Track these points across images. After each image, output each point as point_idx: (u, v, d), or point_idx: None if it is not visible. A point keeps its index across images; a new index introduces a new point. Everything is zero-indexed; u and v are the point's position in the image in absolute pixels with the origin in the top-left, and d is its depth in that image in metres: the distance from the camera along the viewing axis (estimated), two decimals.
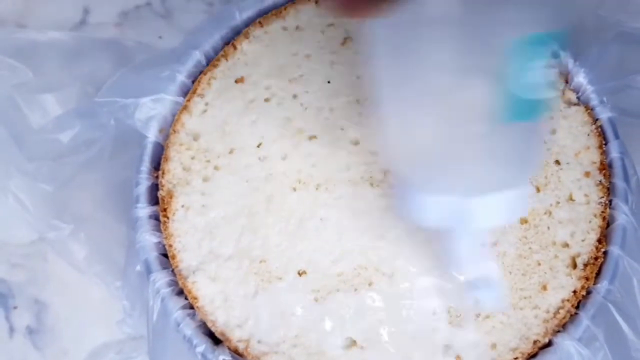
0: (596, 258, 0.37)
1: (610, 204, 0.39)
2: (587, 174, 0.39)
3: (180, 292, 0.38)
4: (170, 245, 0.39)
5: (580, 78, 0.42)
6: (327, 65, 0.43)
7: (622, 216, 0.37)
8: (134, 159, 0.41)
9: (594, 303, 0.36)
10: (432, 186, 0.28)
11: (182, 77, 0.43)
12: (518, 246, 0.37)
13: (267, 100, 0.42)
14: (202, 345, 0.36)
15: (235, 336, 0.36)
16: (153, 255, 0.39)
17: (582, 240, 0.38)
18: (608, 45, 0.43)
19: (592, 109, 0.41)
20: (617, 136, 0.40)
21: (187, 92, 0.44)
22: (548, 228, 0.38)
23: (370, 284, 0.37)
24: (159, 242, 0.39)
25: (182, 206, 0.40)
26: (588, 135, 0.41)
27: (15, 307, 0.45)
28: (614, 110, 0.41)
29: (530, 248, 0.37)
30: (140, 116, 0.42)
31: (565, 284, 0.36)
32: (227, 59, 0.44)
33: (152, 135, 0.42)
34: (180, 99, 0.43)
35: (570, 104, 0.42)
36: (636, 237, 0.37)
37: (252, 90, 0.43)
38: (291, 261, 0.38)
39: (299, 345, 0.36)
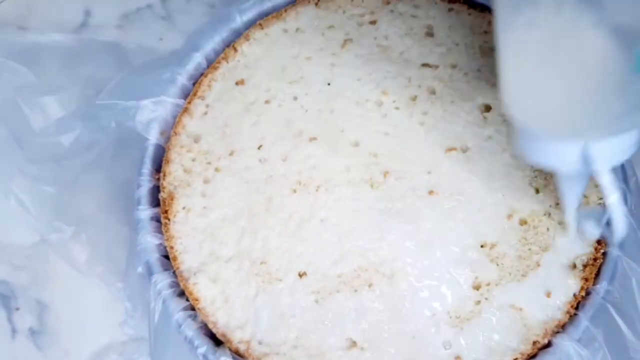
0: (595, 259, 0.37)
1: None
2: None
3: (182, 294, 0.38)
4: (172, 247, 0.39)
5: None
6: (327, 67, 0.43)
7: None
8: (135, 161, 0.42)
9: (593, 304, 0.36)
10: (557, 131, 0.30)
11: (182, 80, 0.44)
12: (518, 247, 0.37)
13: (267, 102, 0.43)
14: (204, 346, 0.36)
15: (236, 337, 0.37)
16: (154, 257, 0.39)
17: (581, 241, 0.38)
18: None
19: None
20: None
21: (188, 94, 0.44)
22: (547, 229, 0.38)
23: (370, 285, 0.37)
24: (160, 244, 0.39)
25: (183, 208, 0.40)
26: None
27: (17, 309, 0.45)
28: None
29: (529, 249, 0.37)
30: (141, 118, 0.42)
31: (564, 285, 0.37)
32: (227, 61, 0.45)
33: (153, 137, 0.42)
34: (181, 102, 0.43)
35: None
36: (635, 237, 0.37)
37: (253, 92, 0.43)
38: (291, 262, 0.38)
39: (300, 347, 0.36)
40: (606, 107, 0.29)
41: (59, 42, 0.48)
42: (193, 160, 0.42)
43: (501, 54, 0.31)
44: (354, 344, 0.36)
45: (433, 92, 0.42)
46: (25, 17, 0.55)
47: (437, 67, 0.43)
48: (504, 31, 0.30)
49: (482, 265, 0.37)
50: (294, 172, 0.40)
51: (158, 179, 0.41)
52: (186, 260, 0.39)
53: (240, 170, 0.41)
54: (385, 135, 0.41)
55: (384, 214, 0.38)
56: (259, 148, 0.41)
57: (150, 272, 0.38)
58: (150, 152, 0.42)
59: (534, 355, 0.35)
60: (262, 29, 0.46)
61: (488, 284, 0.37)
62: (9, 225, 0.47)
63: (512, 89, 0.31)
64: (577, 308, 0.36)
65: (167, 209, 0.40)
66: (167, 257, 0.39)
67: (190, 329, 0.37)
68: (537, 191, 0.39)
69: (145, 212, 0.40)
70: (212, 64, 0.45)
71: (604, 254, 0.37)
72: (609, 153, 0.31)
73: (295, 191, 0.40)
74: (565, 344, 0.35)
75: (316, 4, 0.46)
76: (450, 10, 0.45)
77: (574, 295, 0.36)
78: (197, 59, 0.44)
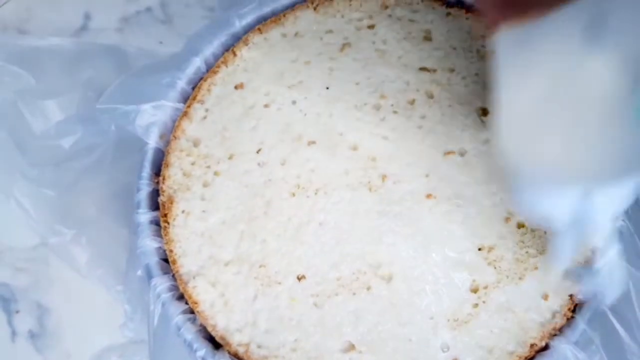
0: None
1: None
2: None
3: (181, 297, 0.38)
4: (171, 251, 0.39)
5: None
6: (326, 71, 0.44)
7: (619, 221, 0.38)
8: (135, 164, 0.42)
9: (591, 307, 0.36)
10: (556, 178, 0.29)
11: (182, 84, 0.44)
12: (515, 250, 0.38)
13: (266, 106, 0.43)
14: (203, 349, 0.36)
15: (235, 340, 0.37)
16: (154, 260, 0.39)
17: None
18: None
19: None
20: None
21: (187, 98, 0.44)
22: (545, 232, 0.38)
23: (368, 288, 0.37)
24: (160, 247, 0.40)
25: (183, 211, 0.40)
26: None
27: (17, 311, 0.45)
28: None
29: (527, 252, 0.38)
30: (141, 122, 0.42)
31: (562, 288, 0.37)
32: (226, 66, 0.45)
33: (152, 141, 0.42)
34: (181, 106, 0.44)
35: None
36: (632, 241, 0.38)
37: (252, 96, 0.43)
38: (290, 266, 0.38)
39: (299, 350, 0.36)
40: (609, 153, 0.28)
41: (59, 45, 0.48)
42: (192, 164, 0.42)
43: (500, 98, 0.30)
44: (352, 346, 0.36)
45: (431, 96, 0.42)
46: (26, 21, 0.55)
47: (435, 71, 0.43)
48: (504, 74, 0.29)
49: (480, 268, 0.37)
50: (293, 175, 0.40)
51: (157, 183, 0.42)
52: (185, 264, 0.39)
53: (239, 174, 0.41)
54: (383, 139, 0.41)
55: (382, 217, 0.38)
56: (258, 152, 0.41)
57: (149, 276, 0.39)
58: (149, 155, 0.42)
59: (532, 358, 0.36)
60: (261, 33, 0.46)
61: (486, 287, 0.37)
62: (9, 228, 0.48)
63: (511, 133, 0.30)
64: (574, 311, 0.36)
65: (166, 212, 0.40)
66: (166, 260, 0.40)
67: (190, 332, 0.37)
68: None
69: (144, 215, 0.40)
70: (211, 68, 0.45)
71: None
72: (609, 202, 0.30)
73: (294, 195, 0.40)
74: (563, 347, 0.35)
75: (315, 9, 0.46)
76: (448, 14, 0.45)
77: (571, 298, 0.37)
78: (197, 63, 0.44)
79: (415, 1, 0.46)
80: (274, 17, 0.46)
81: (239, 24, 0.46)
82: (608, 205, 0.30)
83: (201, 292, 0.38)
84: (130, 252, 0.41)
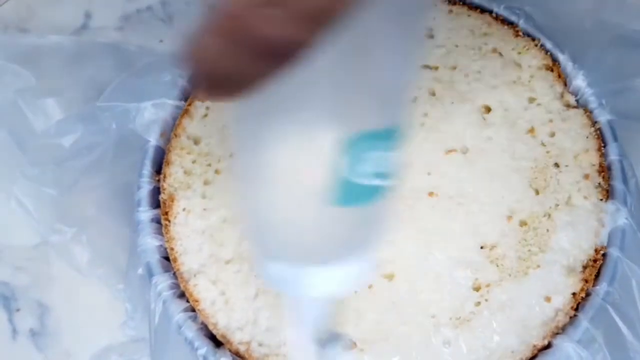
0: (595, 260, 0.37)
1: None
2: (586, 177, 0.39)
3: (182, 295, 0.38)
4: (172, 249, 0.39)
5: (579, 81, 0.42)
6: None
7: (621, 218, 0.38)
8: (136, 163, 0.42)
9: (593, 305, 0.36)
10: (275, 254, 0.29)
11: (183, 82, 0.44)
12: (517, 249, 0.37)
13: None
14: (204, 347, 0.36)
15: (236, 339, 0.37)
16: (155, 259, 0.39)
17: (582, 243, 0.38)
18: (607, 47, 0.43)
19: (591, 112, 0.41)
20: (615, 139, 0.40)
21: (188, 96, 0.44)
22: (547, 230, 0.38)
23: (370, 287, 0.37)
24: (161, 245, 0.40)
25: (184, 209, 0.40)
26: (587, 137, 0.41)
27: (18, 310, 0.45)
28: (613, 112, 0.41)
29: (529, 250, 0.37)
30: (142, 120, 0.42)
31: (564, 286, 0.37)
32: None
33: (153, 139, 0.42)
34: (182, 103, 0.44)
35: (569, 106, 0.42)
36: (635, 239, 0.38)
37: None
38: None
39: None
40: (319, 236, 0.27)
41: (59, 44, 0.48)
42: (193, 162, 0.42)
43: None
44: (353, 345, 0.36)
45: (433, 94, 0.42)
46: (26, 20, 0.55)
47: (437, 68, 0.43)
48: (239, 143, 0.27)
49: (482, 267, 0.37)
50: None
51: (158, 181, 0.41)
52: (186, 262, 0.39)
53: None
54: None
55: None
56: None
57: (150, 274, 0.39)
58: (150, 154, 0.42)
59: (534, 357, 0.35)
60: None
61: (488, 285, 0.37)
62: (10, 227, 0.47)
63: (240, 205, 0.29)
64: (577, 309, 0.36)
65: (167, 210, 0.40)
66: (167, 258, 0.40)
67: (191, 330, 0.37)
68: (537, 192, 0.39)
69: (145, 213, 0.40)
70: None
71: (604, 255, 0.37)
72: (322, 282, 0.29)
73: None
74: (565, 345, 0.35)
75: None
76: (450, 12, 0.45)
77: (574, 296, 0.36)
78: None
79: None
80: None
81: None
82: (323, 284, 0.29)
83: (202, 290, 0.38)
84: (131, 251, 0.41)
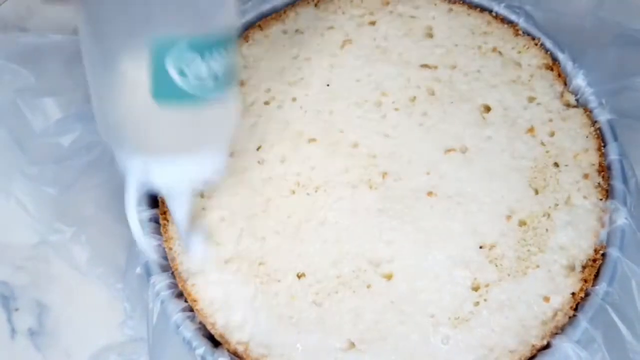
0: (594, 260, 0.37)
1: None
2: (586, 176, 0.39)
3: (180, 295, 0.38)
4: (170, 248, 0.39)
5: (579, 80, 0.42)
6: (327, 68, 0.43)
7: (621, 218, 0.37)
8: None
9: (593, 305, 0.36)
10: (127, 148, 0.33)
11: None
12: (517, 248, 0.37)
13: (266, 103, 0.43)
14: (202, 347, 0.36)
15: (235, 338, 0.37)
16: (153, 258, 0.39)
17: (581, 242, 0.38)
18: (607, 47, 0.43)
19: (591, 111, 0.41)
20: (615, 138, 0.40)
21: None
22: (547, 230, 0.38)
23: (368, 286, 0.37)
24: (159, 245, 0.39)
25: None
26: (587, 137, 0.41)
27: (17, 309, 0.45)
28: (613, 112, 0.41)
29: (529, 250, 0.37)
30: None
31: (563, 286, 0.36)
32: None
33: None
34: None
35: (569, 106, 0.42)
36: (635, 239, 0.37)
37: (252, 93, 0.43)
38: (290, 263, 0.38)
39: (298, 347, 0.36)
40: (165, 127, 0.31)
41: (59, 43, 0.48)
42: None
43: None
44: (352, 345, 0.36)
45: (432, 93, 0.42)
46: (26, 19, 0.55)
47: (436, 68, 0.43)
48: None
49: (481, 266, 0.37)
50: (293, 173, 0.40)
51: None
52: (185, 262, 0.39)
53: (239, 171, 0.41)
54: (384, 136, 0.41)
55: (383, 215, 0.38)
56: (258, 149, 0.41)
57: (149, 273, 0.39)
58: None
59: (533, 357, 0.35)
60: (261, 30, 0.46)
61: (487, 285, 0.37)
62: (9, 226, 0.47)
63: (95, 106, 0.33)
64: (576, 309, 0.36)
65: (165, 210, 0.40)
66: (166, 258, 0.39)
67: (189, 330, 0.37)
68: (537, 192, 0.39)
69: (144, 213, 0.40)
70: None
71: (603, 255, 0.37)
72: (163, 174, 0.33)
73: (294, 192, 0.40)
74: (564, 345, 0.35)
75: (315, 5, 0.46)
76: (449, 11, 0.45)
77: (573, 296, 0.36)
78: None
79: None
80: (275, 13, 0.46)
81: (239, 21, 0.46)
82: (165, 176, 0.34)
83: (200, 290, 0.38)
84: (129, 250, 0.41)
